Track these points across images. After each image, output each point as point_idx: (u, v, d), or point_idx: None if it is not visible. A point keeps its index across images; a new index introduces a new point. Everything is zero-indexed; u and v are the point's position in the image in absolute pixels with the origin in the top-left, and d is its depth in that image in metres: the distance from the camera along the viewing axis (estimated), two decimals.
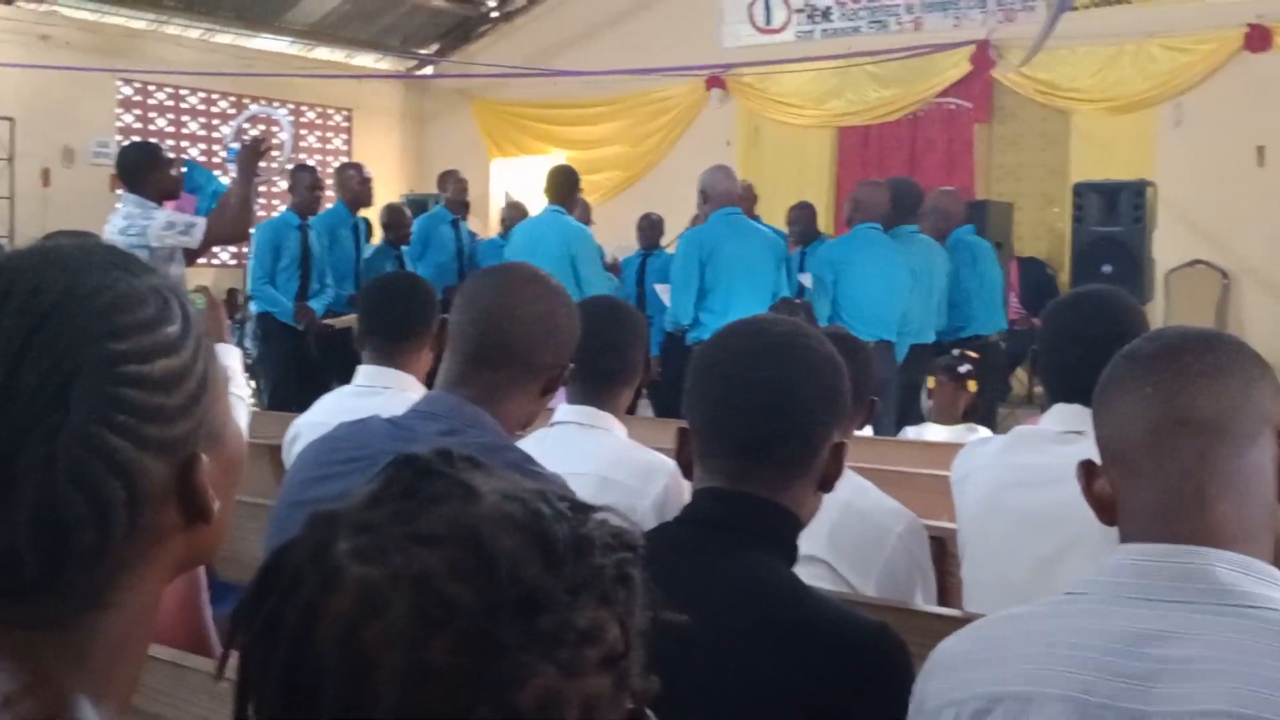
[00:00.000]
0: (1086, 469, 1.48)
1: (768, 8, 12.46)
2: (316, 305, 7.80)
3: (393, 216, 8.74)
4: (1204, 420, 1.36)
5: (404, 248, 8.67)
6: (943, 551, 2.91)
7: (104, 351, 0.92)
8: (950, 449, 3.63)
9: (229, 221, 5.59)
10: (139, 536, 0.94)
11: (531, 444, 2.50)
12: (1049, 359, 2.63)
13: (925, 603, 2.48)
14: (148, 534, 0.95)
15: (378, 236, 9.27)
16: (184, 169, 7.59)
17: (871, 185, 7.41)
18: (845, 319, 6.61)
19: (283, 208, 9.96)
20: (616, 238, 9.43)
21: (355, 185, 8.31)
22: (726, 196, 6.85)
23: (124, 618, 0.96)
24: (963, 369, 4.82)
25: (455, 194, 9.54)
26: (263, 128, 9.41)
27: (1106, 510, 1.45)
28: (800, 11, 12.31)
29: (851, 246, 6.91)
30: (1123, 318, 2.58)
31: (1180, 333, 1.48)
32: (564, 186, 7.77)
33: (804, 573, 1.69)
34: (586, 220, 9.31)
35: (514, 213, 9.89)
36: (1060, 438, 2.52)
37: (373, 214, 8.91)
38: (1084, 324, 2.56)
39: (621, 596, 0.83)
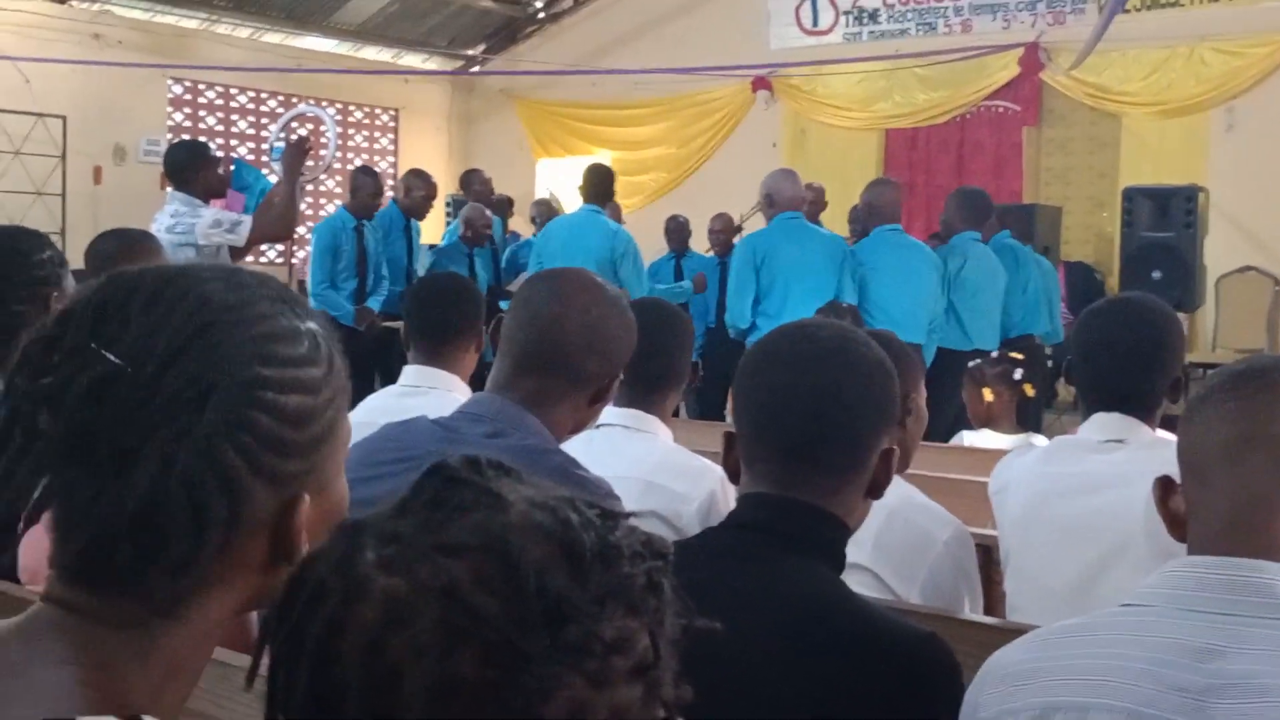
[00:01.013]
0: (1163, 484, 1.47)
1: (815, 9, 12.41)
2: (373, 304, 7.88)
3: (473, 215, 8.68)
4: None
5: (477, 249, 8.64)
6: (989, 560, 2.88)
7: (249, 373, 0.97)
8: (995, 456, 3.59)
9: (275, 219, 5.60)
10: (226, 559, 0.97)
11: (577, 446, 2.48)
12: (1083, 367, 2.59)
13: (972, 612, 2.45)
14: (235, 559, 0.98)
15: (426, 237, 9.30)
16: (232, 167, 7.67)
17: (881, 185, 7.32)
18: (873, 322, 6.58)
19: (330, 207, 10.00)
20: (661, 240, 9.42)
21: (418, 198, 8.36)
22: (790, 202, 6.82)
23: (190, 634, 0.98)
24: (1017, 375, 4.72)
25: (481, 194, 9.54)
26: (310, 126, 9.45)
27: (1179, 526, 1.43)
28: (848, 13, 12.25)
29: (875, 251, 6.84)
30: (1157, 324, 2.54)
31: (1274, 357, 1.49)
32: (601, 186, 7.77)
33: (848, 580, 1.67)
34: (617, 221, 9.32)
35: (542, 210, 9.91)
36: (1100, 446, 2.49)
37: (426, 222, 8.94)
38: (1117, 331, 2.52)
39: (651, 605, 0.82)
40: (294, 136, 6.08)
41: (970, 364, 4.94)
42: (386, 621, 0.77)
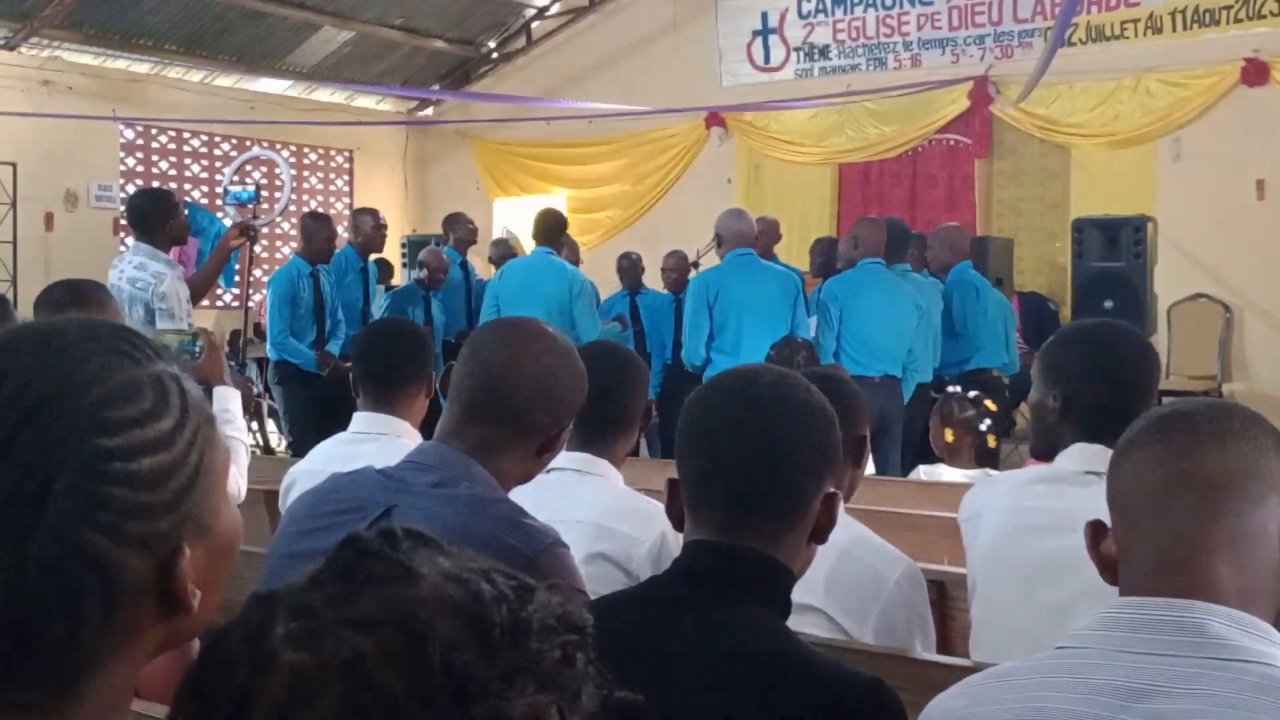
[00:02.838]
0: (1094, 529, 1.48)
1: (766, 46, 12.52)
2: (333, 348, 7.84)
3: (429, 259, 8.73)
4: (1208, 479, 1.37)
5: (433, 292, 8.68)
6: (943, 595, 2.88)
7: (90, 449, 0.92)
8: (953, 490, 3.60)
9: (194, 290, 5.92)
10: (114, 629, 0.94)
11: (528, 491, 2.47)
12: (1078, 394, 2.46)
13: (924, 650, 2.45)
14: (124, 626, 0.95)
15: (395, 279, 9.30)
16: (186, 211, 7.65)
17: (869, 221, 7.47)
18: (850, 354, 6.66)
19: (285, 249, 9.95)
20: (616, 277, 9.44)
21: (369, 231, 8.34)
22: (739, 238, 6.97)
23: (98, 704, 0.96)
24: (983, 426, 4.75)
25: (464, 234, 9.58)
26: (264, 169, 9.42)
27: (1110, 569, 1.45)
28: (799, 50, 12.36)
29: (858, 283, 6.94)
30: (1146, 354, 2.54)
31: (1199, 400, 1.51)
32: (554, 228, 8.08)
33: (800, 621, 1.67)
34: (575, 261, 9.37)
35: (500, 249, 9.94)
36: (1078, 478, 2.41)
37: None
38: (1111, 359, 2.45)
39: (564, 680, 0.81)
40: (250, 181, 6.14)
41: (948, 389, 5.00)
42: (292, 698, 0.76)
